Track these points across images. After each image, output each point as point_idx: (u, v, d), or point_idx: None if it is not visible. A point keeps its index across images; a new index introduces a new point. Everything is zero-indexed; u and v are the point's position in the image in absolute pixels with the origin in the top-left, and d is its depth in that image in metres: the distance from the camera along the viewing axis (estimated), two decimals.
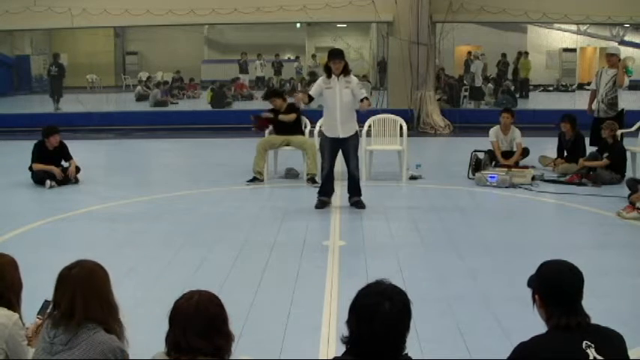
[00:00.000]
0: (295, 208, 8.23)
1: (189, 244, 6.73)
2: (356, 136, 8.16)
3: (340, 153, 8.17)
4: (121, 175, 11.01)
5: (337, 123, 7.98)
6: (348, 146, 8.05)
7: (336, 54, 8.03)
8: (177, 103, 23.99)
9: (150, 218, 7.88)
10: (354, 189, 8.26)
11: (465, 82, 22.48)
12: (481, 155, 10.38)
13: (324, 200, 8.24)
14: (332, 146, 8.08)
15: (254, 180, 9.80)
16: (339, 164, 8.46)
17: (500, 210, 8.50)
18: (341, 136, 8.00)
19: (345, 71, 7.99)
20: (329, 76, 7.97)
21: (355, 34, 33.51)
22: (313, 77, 22.11)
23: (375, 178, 10.19)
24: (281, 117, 9.99)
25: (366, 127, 10.29)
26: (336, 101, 7.94)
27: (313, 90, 8.12)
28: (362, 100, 7.93)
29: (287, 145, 10.11)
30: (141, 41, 33.55)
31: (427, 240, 6.90)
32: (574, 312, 2.57)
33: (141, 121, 17.86)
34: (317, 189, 8.43)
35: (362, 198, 8.29)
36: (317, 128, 8.62)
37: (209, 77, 29.42)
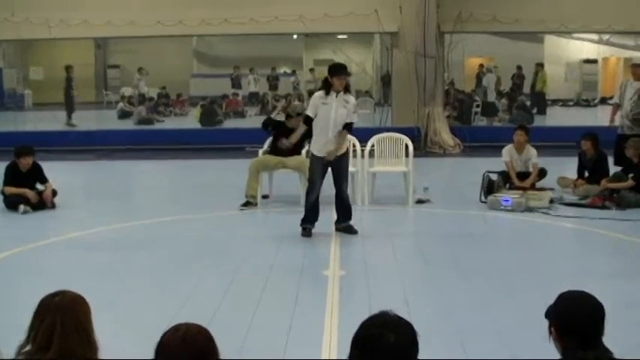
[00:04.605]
0: (291, 235, 8.22)
1: (176, 274, 6.75)
2: (347, 155, 8.21)
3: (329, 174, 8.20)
4: (102, 199, 11.03)
5: (329, 142, 8.01)
6: (339, 165, 8.09)
7: (340, 68, 8.09)
8: (163, 121, 24.02)
9: (134, 246, 7.89)
10: (345, 212, 8.25)
11: (476, 97, 22.58)
12: (494, 177, 10.41)
13: (309, 229, 8.21)
14: (322, 167, 8.09)
15: (247, 204, 9.80)
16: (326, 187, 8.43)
17: (515, 236, 8.52)
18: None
19: (345, 89, 8.05)
20: (327, 92, 8.01)
21: (357, 46, 33.71)
22: (312, 93, 22.15)
23: (378, 202, 10.19)
24: (291, 140, 8.97)
25: (368, 147, 10.32)
26: (330, 119, 7.98)
27: (311, 109, 8.12)
28: (345, 127, 7.97)
29: (283, 167, 10.08)
30: (124, 53, 33.71)
31: (435, 269, 6.92)
32: (592, 346, 2.58)
33: (124, 140, 17.86)
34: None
35: (361, 223, 8.29)
36: (305, 148, 8.62)
37: (198, 93, 29.50)
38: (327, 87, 8.05)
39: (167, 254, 7.52)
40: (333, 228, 8.31)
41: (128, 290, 6.28)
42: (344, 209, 8.26)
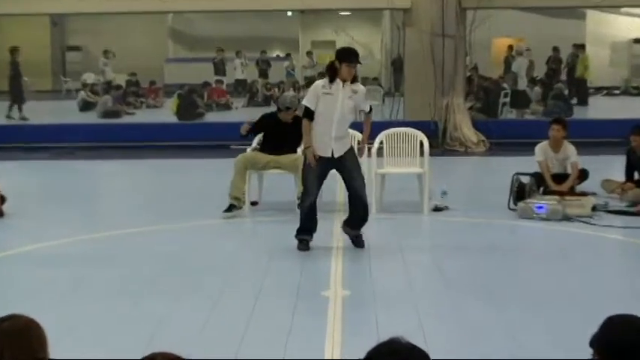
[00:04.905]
0: (285, 248, 8.23)
1: (148, 294, 6.77)
2: (352, 151, 8.21)
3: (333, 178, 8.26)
4: (60, 207, 11.02)
5: (331, 139, 8.00)
6: (346, 165, 8.08)
7: (351, 54, 8.08)
8: (133, 114, 24.00)
9: (97, 263, 7.90)
10: (360, 216, 8.19)
11: (504, 84, 22.60)
12: (526, 179, 10.38)
13: (306, 241, 8.22)
14: (321, 169, 8.09)
15: (231, 209, 9.77)
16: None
17: (551, 250, 8.53)
18: (335, 155, 8.03)
19: (354, 78, 8.08)
20: (332, 79, 8.00)
21: (362, 25, 33.76)
22: (311, 81, 22.13)
23: (388, 209, 10.18)
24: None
25: (376, 145, 10.33)
26: (335, 112, 7.97)
27: (310, 100, 8.05)
28: (366, 113, 8.17)
29: (275, 167, 10.07)
30: (86, 33, 33.70)
31: (455, 289, 6.93)
32: None
33: (86, 136, 17.85)
34: None
35: (368, 235, 8.30)
36: (301, 147, 8.63)
37: (175, 80, 29.54)
38: (332, 74, 8.01)
39: (137, 272, 7.53)
40: (340, 228, 8.32)
41: (91, 314, 6.28)
42: (362, 211, 8.14)
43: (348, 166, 8.09)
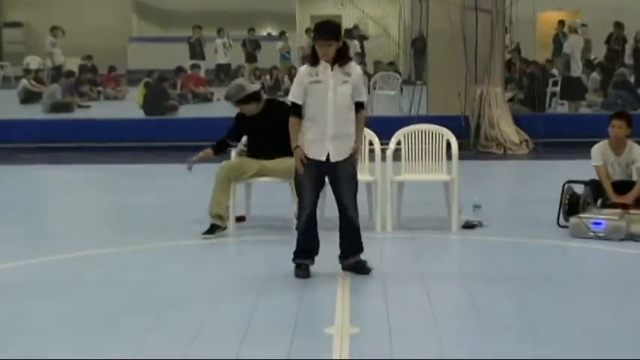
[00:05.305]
0: (280, 275, 8.25)
1: (110, 332, 6.73)
2: (352, 160, 8.20)
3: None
4: None
5: (326, 137, 8.03)
6: (337, 174, 8.10)
7: (323, 29, 8.09)
8: (89, 107, 24.11)
9: (46, 292, 7.88)
10: (352, 241, 8.27)
11: (553, 70, 22.60)
12: (580, 189, 10.42)
13: (306, 265, 8.25)
14: (316, 174, 8.12)
15: (213, 230, 9.80)
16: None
17: (611, 277, 8.47)
18: (332, 159, 8.05)
19: (343, 57, 8.07)
20: (315, 62, 8.04)
21: None
22: None
23: (407, 226, 10.25)
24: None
25: (392, 146, 10.33)
26: (327, 102, 7.99)
27: (297, 93, 8.11)
28: (358, 106, 8.11)
29: (265, 175, 10.07)
30: (28, 6, 33.74)
31: (490, 326, 6.90)
32: None
33: (29, 134, 18.01)
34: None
35: (381, 259, 8.38)
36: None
37: (140, 65, 29.67)
38: (313, 55, 8.10)
39: (92, 306, 7.48)
40: (340, 266, 8.35)
41: (40, 351, 6.24)
42: (351, 237, 8.26)
43: (339, 176, 8.11)
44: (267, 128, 9.91)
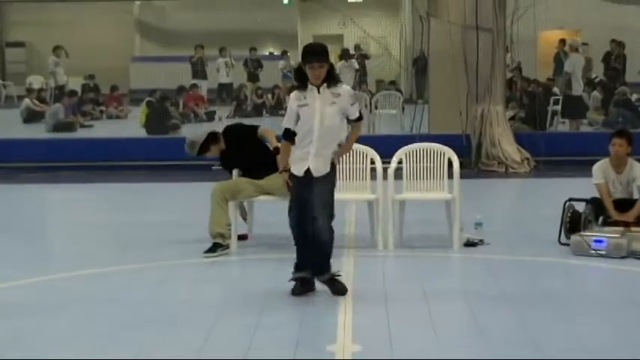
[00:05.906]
0: (281, 292, 8.23)
1: (111, 350, 6.69)
2: (330, 176, 8.18)
3: None
4: (0, 243, 11.02)
5: (310, 155, 8.07)
6: (314, 187, 8.06)
7: (310, 52, 8.12)
8: (91, 126, 24.11)
9: (47, 311, 7.86)
10: (317, 254, 8.18)
11: (554, 88, 22.58)
12: (581, 207, 10.40)
13: (305, 279, 8.23)
14: (303, 189, 8.10)
15: (215, 249, 9.80)
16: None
17: (614, 295, 8.45)
18: (314, 174, 8.08)
19: (332, 79, 8.09)
20: (303, 86, 8.08)
21: (376, 16, 33.96)
22: None
23: (408, 244, 10.24)
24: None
25: (394, 164, 10.35)
26: (314, 124, 8.03)
27: (287, 118, 8.18)
28: (353, 121, 8.22)
29: (262, 193, 10.10)
30: (31, 25, 33.78)
31: (493, 345, 6.85)
32: None
33: (32, 153, 17.98)
34: None
35: (383, 277, 8.34)
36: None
37: (143, 85, 29.72)
38: (300, 79, 8.14)
39: (93, 324, 7.47)
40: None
41: None
42: (317, 253, 8.16)
43: (316, 190, 8.06)
44: (242, 155, 10.19)
